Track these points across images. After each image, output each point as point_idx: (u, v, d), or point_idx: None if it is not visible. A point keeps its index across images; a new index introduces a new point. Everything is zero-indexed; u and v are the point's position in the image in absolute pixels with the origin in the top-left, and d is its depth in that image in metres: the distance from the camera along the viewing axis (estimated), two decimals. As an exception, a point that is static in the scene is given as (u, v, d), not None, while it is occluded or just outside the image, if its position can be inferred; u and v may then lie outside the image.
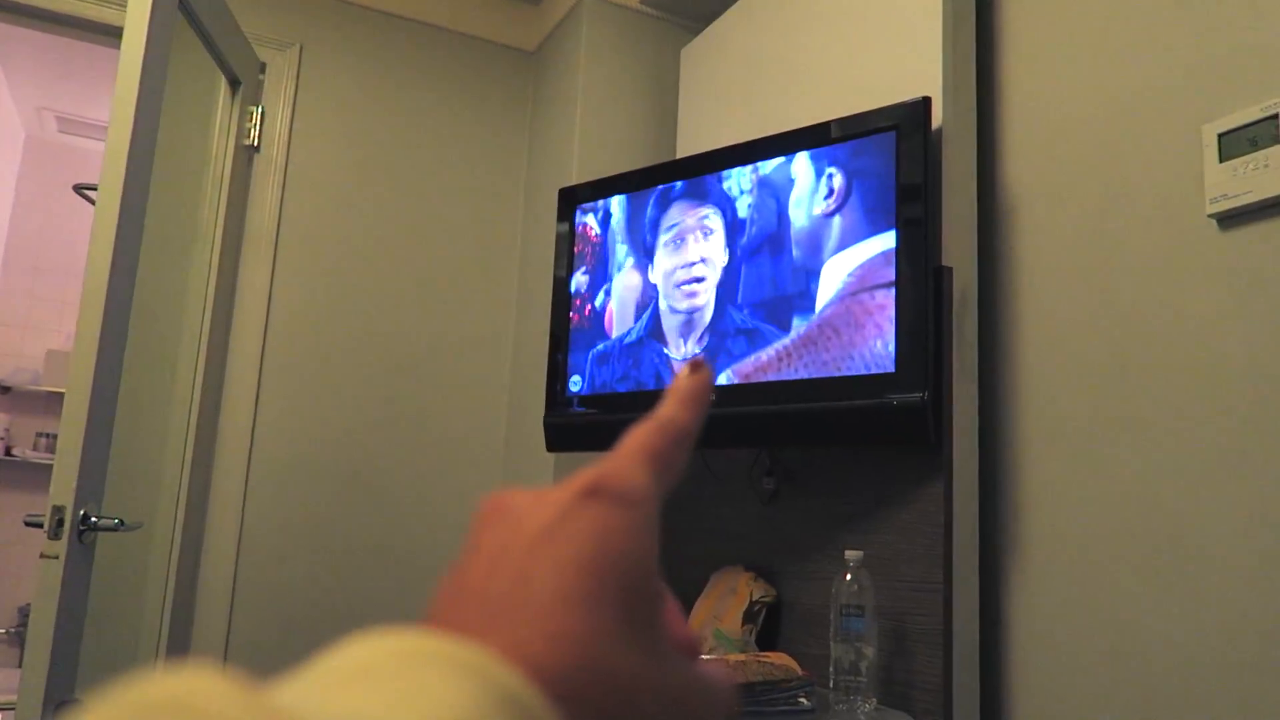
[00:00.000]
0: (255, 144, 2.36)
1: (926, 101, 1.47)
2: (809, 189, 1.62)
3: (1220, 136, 1.21)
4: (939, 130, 1.51)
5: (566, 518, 0.25)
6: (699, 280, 1.78)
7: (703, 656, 1.30)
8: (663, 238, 1.87)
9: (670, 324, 1.83)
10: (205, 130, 2.27)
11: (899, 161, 1.48)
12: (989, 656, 1.48)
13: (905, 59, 1.60)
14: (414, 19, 2.63)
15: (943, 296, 1.47)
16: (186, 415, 2.17)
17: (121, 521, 1.64)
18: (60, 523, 1.55)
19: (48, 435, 4.03)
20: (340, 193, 2.49)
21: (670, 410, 0.30)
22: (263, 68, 2.40)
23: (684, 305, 1.79)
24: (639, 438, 0.29)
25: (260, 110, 2.38)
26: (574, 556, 0.24)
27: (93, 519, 1.59)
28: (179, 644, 2.13)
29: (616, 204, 1.97)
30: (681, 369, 0.32)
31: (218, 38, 2.06)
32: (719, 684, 0.28)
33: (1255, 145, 1.16)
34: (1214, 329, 1.21)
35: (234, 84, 2.28)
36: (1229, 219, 1.21)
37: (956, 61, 1.54)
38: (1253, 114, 1.17)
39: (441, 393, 2.55)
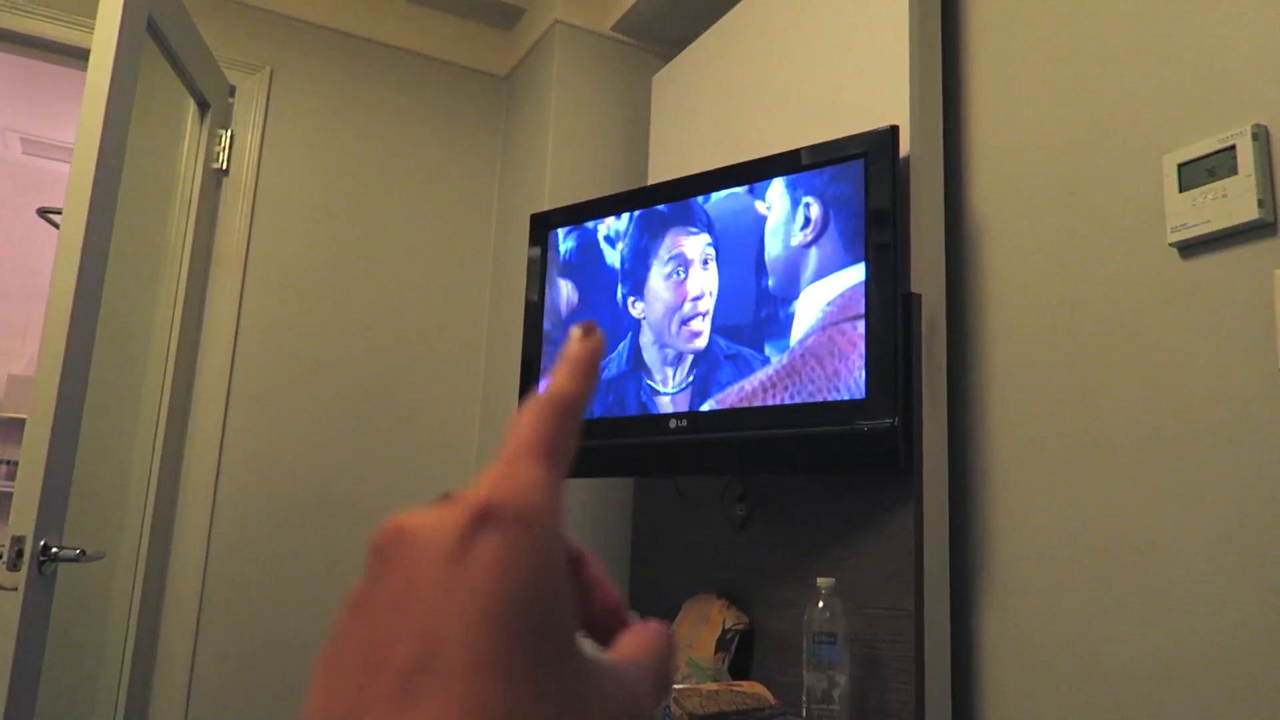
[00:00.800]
0: (224, 167, 2.35)
1: (894, 130, 1.49)
2: (784, 218, 1.63)
3: (1180, 167, 1.23)
4: (906, 158, 1.53)
5: (465, 556, 0.22)
6: (702, 315, 1.75)
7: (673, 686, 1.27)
8: (658, 267, 1.84)
9: (654, 356, 1.81)
10: (173, 153, 2.25)
11: (868, 189, 1.50)
12: (961, 681, 1.48)
13: (874, 87, 1.62)
14: (386, 43, 2.63)
15: (912, 322, 1.48)
16: (152, 440, 2.13)
17: (83, 552, 1.60)
18: (20, 553, 1.51)
19: (8, 462, 3.95)
20: (310, 216, 2.47)
21: (560, 382, 0.28)
22: (232, 90, 2.39)
23: (686, 346, 1.75)
24: (529, 425, 0.26)
25: (230, 133, 2.36)
26: (480, 608, 0.22)
27: (53, 549, 1.55)
28: (142, 675, 2.08)
29: (593, 229, 1.98)
30: (573, 331, 0.29)
31: (187, 61, 2.05)
32: (641, 680, 0.25)
33: (1213, 176, 1.19)
34: (1176, 354, 1.23)
35: (203, 107, 2.26)
36: (1189, 248, 1.23)
37: (923, 91, 1.56)
38: (1211, 145, 1.20)
39: (413, 417, 2.53)
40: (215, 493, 2.27)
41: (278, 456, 2.35)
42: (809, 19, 1.82)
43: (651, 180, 2.26)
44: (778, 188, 1.65)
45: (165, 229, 2.22)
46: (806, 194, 1.59)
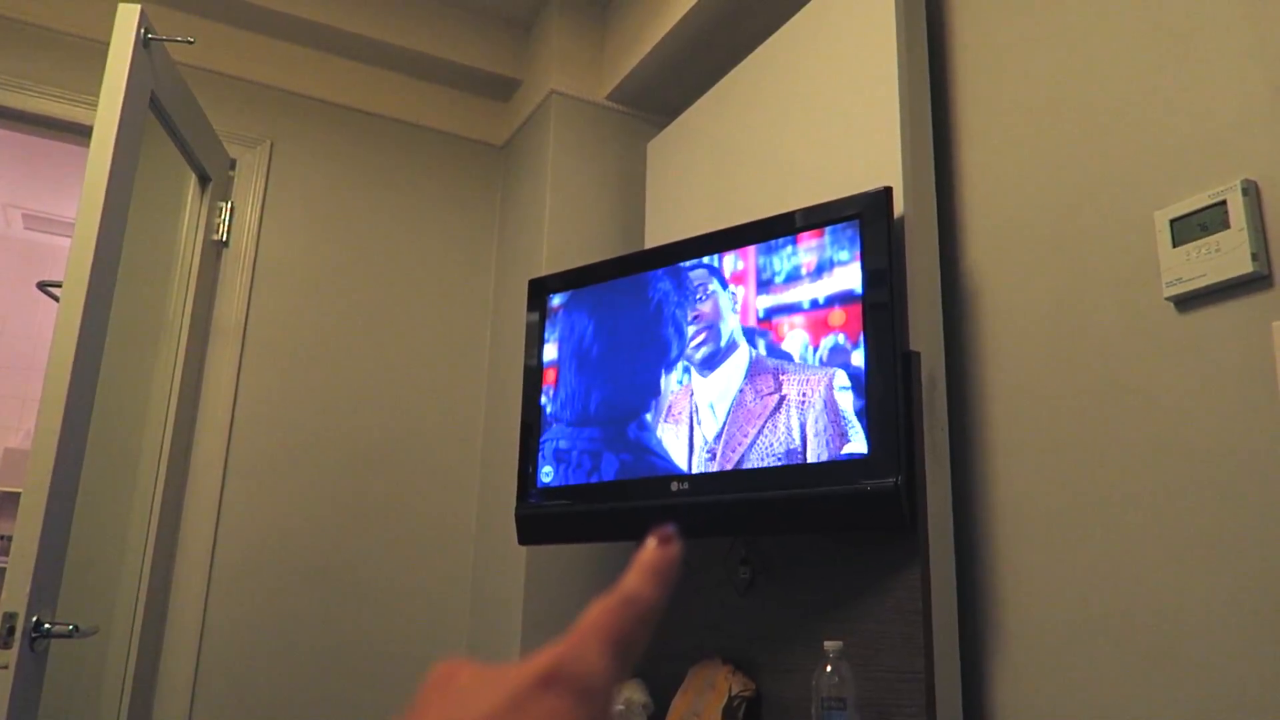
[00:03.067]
0: (224, 239, 2.37)
1: (888, 191, 1.50)
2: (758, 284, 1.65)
3: (1172, 222, 1.25)
4: (901, 219, 1.54)
5: (521, 708, 0.23)
6: (707, 367, 1.76)
7: None
8: (650, 333, 1.86)
9: (662, 421, 1.82)
10: (174, 225, 2.27)
11: (863, 249, 1.51)
12: (974, 748, 1.44)
13: (866, 150, 1.65)
14: (384, 115, 2.68)
15: (912, 380, 1.48)
16: (147, 513, 2.11)
17: (76, 627, 1.58)
18: (11, 630, 1.49)
19: (3, 538, 3.90)
20: (310, 286, 2.49)
21: (634, 584, 0.29)
22: (233, 164, 2.42)
23: (685, 410, 1.77)
24: (600, 615, 0.28)
25: (230, 205, 2.39)
26: None
27: (46, 625, 1.53)
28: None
29: (593, 297, 1.99)
30: (649, 540, 0.31)
31: (188, 135, 2.08)
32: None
33: (1206, 231, 1.20)
34: (1178, 408, 1.23)
35: (204, 180, 2.29)
36: (1185, 302, 1.24)
37: (914, 152, 1.59)
38: (1202, 201, 1.21)
39: (411, 486, 2.51)
40: (211, 566, 2.23)
41: (275, 528, 2.33)
42: (799, 84, 1.85)
43: (649, 244, 2.28)
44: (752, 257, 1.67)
45: (165, 300, 2.23)
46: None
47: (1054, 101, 1.48)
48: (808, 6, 1.87)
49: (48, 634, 1.53)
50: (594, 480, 1.87)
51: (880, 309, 1.47)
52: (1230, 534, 1.15)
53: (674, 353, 1.81)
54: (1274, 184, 1.15)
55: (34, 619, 1.51)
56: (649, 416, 1.82)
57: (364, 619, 2.38)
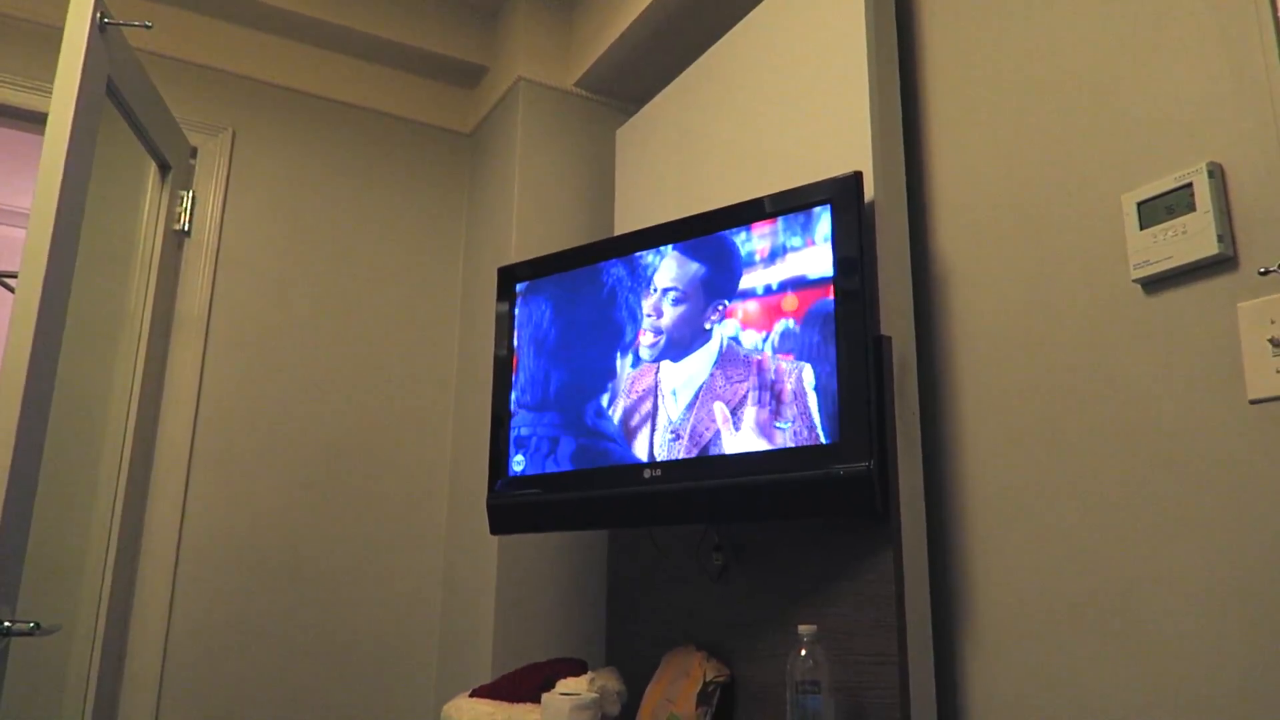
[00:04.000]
0: (186, 228, 2.32)
1: (858, 175, 1.50)
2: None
3: (1139, 205, 1.26)
4: (871, 203, 1.55)
5: None
6: (654, 365, 1.77)
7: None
8: (609, 321, 1.86)
9: (621, 409, 1.81)
10: (133, 214, 2.22)
11: (834, 234, 1.51)
12: (947, 729, 1.46)
13: (835, 136, 1.65)
14: (349, 103, 2.64)
15: (883, 365, 1.48)
16: (110, 508, 2.07)
17: (38, 625, 1.54)
18: (-30, 629, 1.46)
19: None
20: (274, 276, 2.45)
21: None
22: (194, 152, 2.38)
23: (644, 408, 1.77)
24: None
25: (191, 195, 2.34)
26: None
27: (6, 624, 1.50)
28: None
29: (552, 284, 1.97)
30: None
31: (147, 124, 2.04)
32: None
33: (1172, 213, 1.21)
34: (1145, 390, 1.24)
35: (164, 169, 2.24)
36: (1152, 283, 1.25)
37: (884, 137, 1.59)
38: (1168, 184, 1.22)
39: (381, 477, 2.49)
40: (177, 561, 2.20)
41: (242, 522, 2.30)
42: (768, 70, 1.85)
43: (618, 231, 2.27)
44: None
45: (125, 291, 2.18)
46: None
47: (1022, 86, 1.49)
48: (776, -9, 1.86)
49: (8, 632, 1.50)
50: (554, 467, 1.87)
51: (852, 294, 1.47)
52: (1196, 516, 1.16)
53: (629, 338, 1.81)
54: (1239, 167, 1.17)
55: (-7, 617, 1.47)
56: (604, 400, 1.82)
57: (333, 612, 2.36)
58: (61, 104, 1.64)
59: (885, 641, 1.43)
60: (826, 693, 1.42)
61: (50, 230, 1.59)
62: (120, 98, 1.86)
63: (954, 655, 1.47)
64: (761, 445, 1.55)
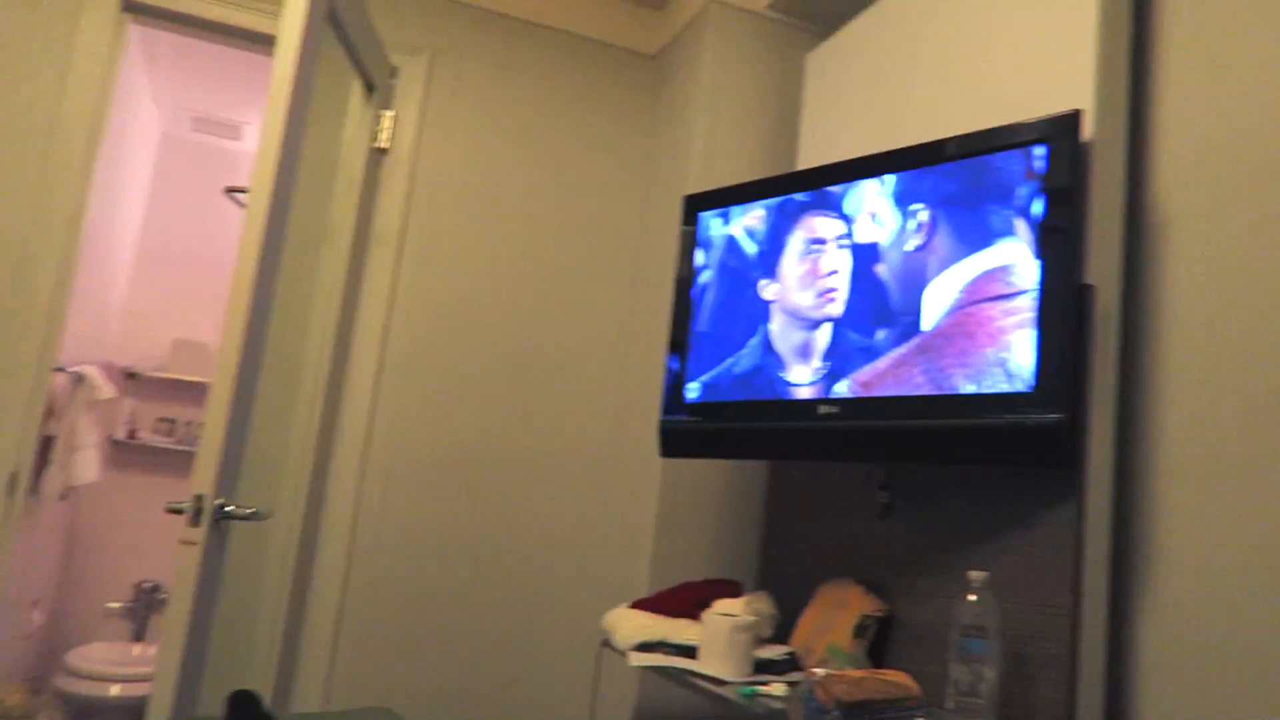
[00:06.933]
0: (385, 147, 2.45)
1: (1077, 115, 1.43)
2: (898, 226, 1.61)
3: (1398, 158, 1.15)
4: (1088, 144, 1.47)
5: None
6: (834, 290, 1.76)
7: (814, 670, 1.27)
8: (793, 247, 1.86)
9: (788, 343, 1.82)
10: (339, 133, 2.36)
11: (1048, 175, 1.45)
12: (1115, 686, 1.44)
13: (1054, 70, 1.56)
14: (538, 23, 2.68)
15: (1085, 316, 1.43)
16: (310, 410, 2.26)
17: (256, 511, 1.70)
18: (199, 511, 1.62)
19: (169, 420, 4.24)
20: (465, 195, 2.56)
21: None
22: (394, 72, 2.49)
23: (819, 314, 1.78)
24: None
25: (393, 114, 2.46)
26: None
27: (229, 508, 1.65)
28: (293, 628, 2.22)
29: (734, 215, 1.98)
30: None
31: (359, 46, 2.15)
32: None
33: None
34: (1384, 360, 1.15)
35: (369, 88, 2.37)
36: (1405, 245, 1.15)
37: (1109, 72, 1.50)
38: None
39: (557, 394, 2.60)
40: (365, 461, 2.39)
41: (424, 429, 2.46)
42: (977, -1, 1.76)
43: (801, 164, 2.24)
44: (887, 193, 1.63)
45: (329, 207, 2.34)
46: (914, 200, 1.59)
47: (1266, 34, 1.37)
48: (991, -87, 1.76)
49: (230, 515, 1.66)
50: (729, 396, 1.90)
51: (1060, 241, 1.42)
52: None
53: (819, 270, 1.80)
54: None
55: (218, 502, 1.64)
56: (784, 330, 1.82)
57: (504, 520, 2.52)
58: (290, 29, 1.75)
59: (1058, 593, 1.42)
60: (993, 638, 1.43)
61: (278, 149, 1.72)
62: (338, 21, 1.97)
63: (1128, 613, 1.44)
64: (946, 389, 1.53)
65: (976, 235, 1.53)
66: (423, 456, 2.45)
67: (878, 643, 1.76)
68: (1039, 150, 1.46)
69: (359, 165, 2.37)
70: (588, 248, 2.68)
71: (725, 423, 1.91)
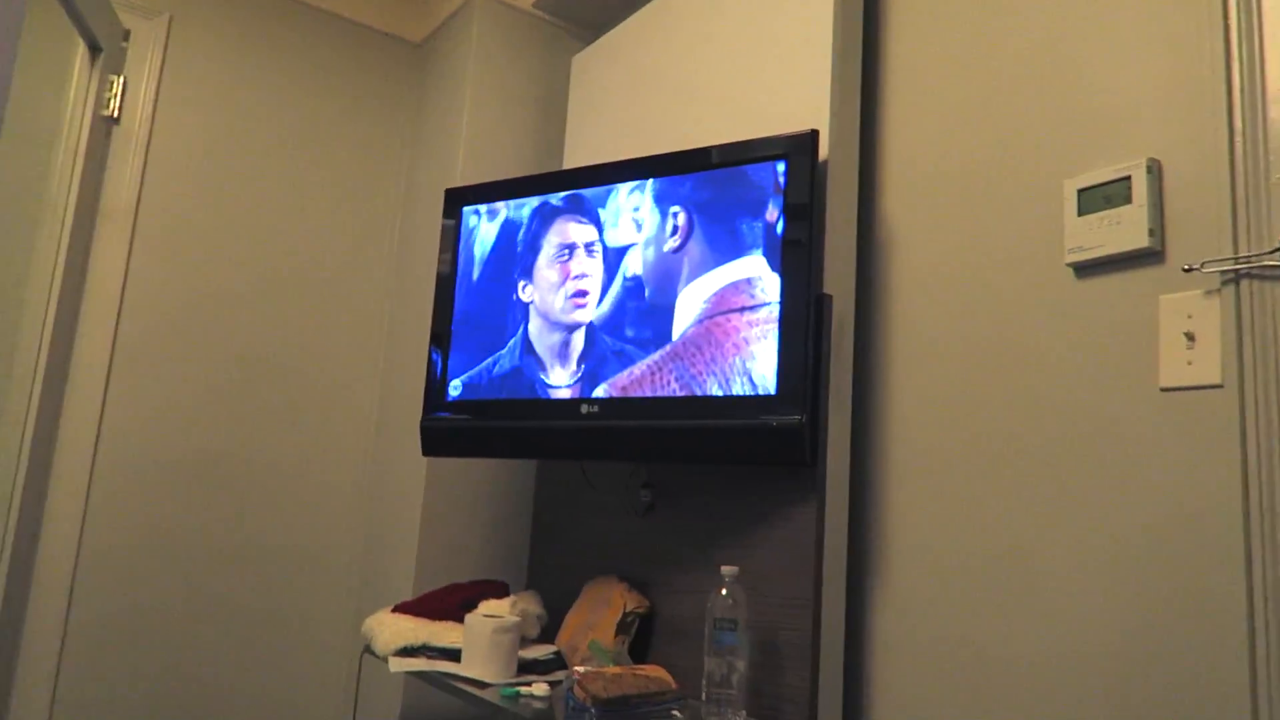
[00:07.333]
0: (115, 115, 2.21)
1: (814, 134, 1.52)
2: (656, 225, 1.67)
3: (1079, 192, 1.31)
4: (824, 163, 1.57)
5: None
6: (585, 294, 1.79)
7: (576, 668, 1.29)
8: (546, 251, 1.86)
9: (545, 345, 1.83)
10: (59, 98, 2.11)
11: (786, 191, 1.53)
12: (853, 670, 1.55)
13: (793, 90, 1.65)
14: (295, -2, 2.52)
15: (823, 322, 1.53)
16: (26, 402, 2.01)
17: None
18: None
19: None
20: (207, 173, 2.36)
21: None
22: (127, 35, 2.25)
23: (569, 319, 1.79)
24: None
25: (123, 80, 2.23)
26: None
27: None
28: (7, 656, 1.97)
29: (497, 209, 1.96)
30: None
31: (79, 0, 1.92)
32: None
33: (1109, 203, 1.27)
34: (1066, 369, 1.31)
35: (94, 50, 2.12)
36: (1084, 269, 1.31)
37: (842, 97, 1.61)
38: (1108, 174, 1.27)
39: (309, 387, 2.46)
40: (94, 460, 2.15)
41: (162, 425, 2.25)
42: (734, 17, 1.83)
43: (567, 164, 2.25)
44: (646, 197, 1.69)
45: (47, 179, 2.08)
46: (673, 203, 1.65)
47: (976, 63, 1.52)
48: (750, -67, 1.84)
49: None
50: (491, 394, 1.88)
51: (799, 252, 1.50)
52: (1099, 490, 1.25)
53: (575, 271, 1.82)
54: (1175, 166, 1.22)
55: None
56: (545, 330, 1.83)
57: (254, 523, 2.35)
58: (-11, -24, 1.53)
59: (802, 586, 1.51)
60: (743, 630, 1.50)
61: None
62: (51, -28, 1.75)
63: (865, 602, 1.56)
64: (697, 390, 1.59)
65: (727, 245, 1.59)
66: (163, 458, 2.24)
67: (640, 638, 1.81)
68: (780, 166, 1.55)
69: (83, 133, 2.12)
70: (345, 237, 2.55)
71: (487, 421, 1.89)
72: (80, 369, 2.14)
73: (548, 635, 1.94)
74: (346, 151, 2.58)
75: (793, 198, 1.53)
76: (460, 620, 1.84)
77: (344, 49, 2.60)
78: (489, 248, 1.96)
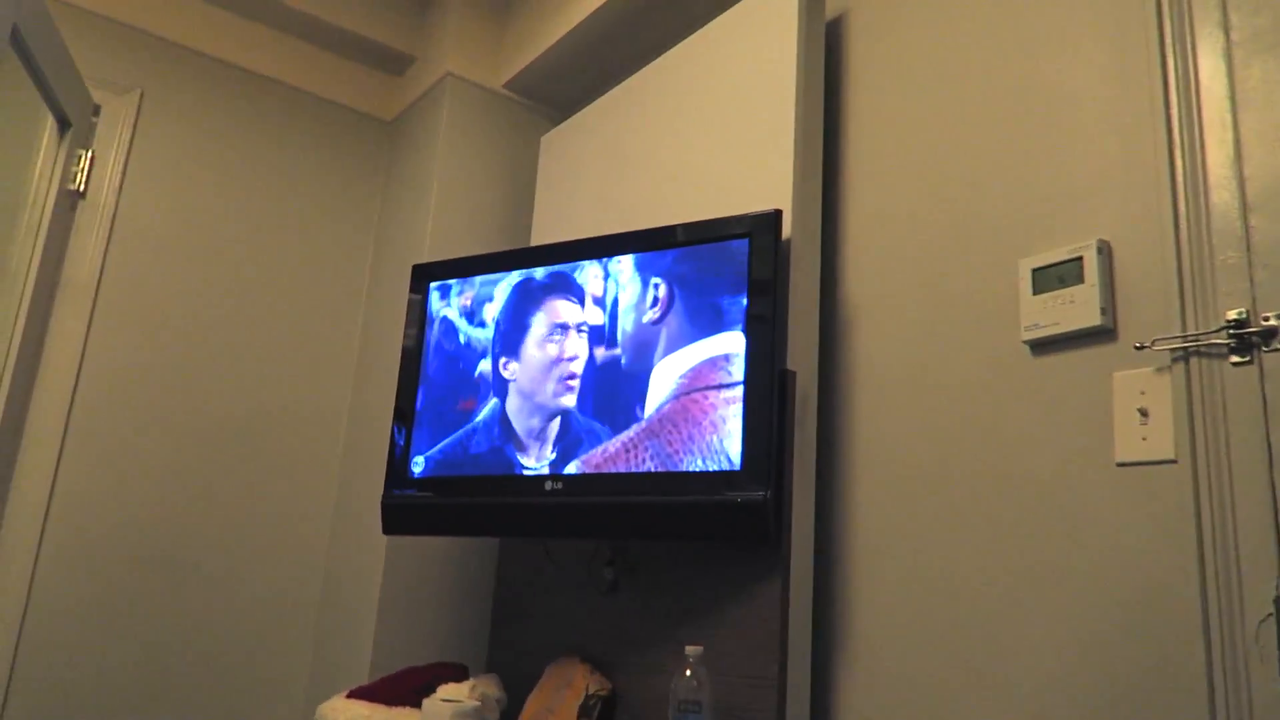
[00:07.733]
0: (81, 189, 2.21)
1: (778, 213, 1.55)
2: (636, 295, 1.69)
3: (1034, 271, 1.34)
4: (787, 241, 1.60)
5: None
6: (575, 377, 1.77)
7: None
8: (536, 331, 1.85)
9: (524, 426, 1.81)
10: (25, 170, 2.10)
11: (750, 268, 1.55)
12: (816, 751, 1.52)
13: (758, 170, 1.69)
14: (267, 76, 2.56)
15: (787, 399, 1.53)
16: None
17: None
18: None
19: None
20: (173, 248, 2.35)
21: None
22: (97, 110, 2.26)
23: (557, 403, 1.77)
24: None
25: (90, 154, 2.23)
26: None
27: None
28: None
29: (465, 287, 1.96)
30: None
31: (50, 75, 1.93)
32: None
33: (1063, 283, 1.30)
34: (1023, 446, 1.33)
35: (63, 124, 2.13)
36: (1040, 346, 1.33)
37: (805, 178, 1.65)
38: (1061, 254, 1.31)
39: (268, 467, 2.42)
40: (40, 540, 2.08)
41: (115, 506, 2.19)
42: (698, 98, 1.89)
43: (535, 241, 2.27)
44: (627, 266, 1.71)
45: (8, 250, 2.06)
46: (654, 275, 1.66)
47: (935, 147, 1.57)
48: (713, 22, 1.90)
49: None
50: (454, 471, 1.86)
51: (763, 330, 1.52)
52: (1059, 565, 1.25)
53: (542, 350, 1.82)
54: (1125, 246, 1.26)
55: None
56: (510, 408, 1.82)
57: (205, 606, 2.28)
58: (-41, 50, 1.54)
59: (766, 665, 1.48)
60: (707, 712, 1.46)
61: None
62: (24, 45, 1.76)
63: (831, 681, 1.53)
64: (663, 466, 1.58)
65: (708, 319, 1.60)
66: (113, 538, 2.18)
67: (601, 720, 1.75)
68: (743, 245, 1.57)
69: (47, 207, 2.11)
70: (310, 312, 2.54)
71: (450, 498, 1.86)
72: (32, 443, 2.09)
73: (509, 719, 1.88)
74: (314, 227, 2.59)
75: (757, 274, 1.55)
76: (418, 705, 1.78)
77: (316, 126, 2.63)
78: (460, 322, 1.96)
